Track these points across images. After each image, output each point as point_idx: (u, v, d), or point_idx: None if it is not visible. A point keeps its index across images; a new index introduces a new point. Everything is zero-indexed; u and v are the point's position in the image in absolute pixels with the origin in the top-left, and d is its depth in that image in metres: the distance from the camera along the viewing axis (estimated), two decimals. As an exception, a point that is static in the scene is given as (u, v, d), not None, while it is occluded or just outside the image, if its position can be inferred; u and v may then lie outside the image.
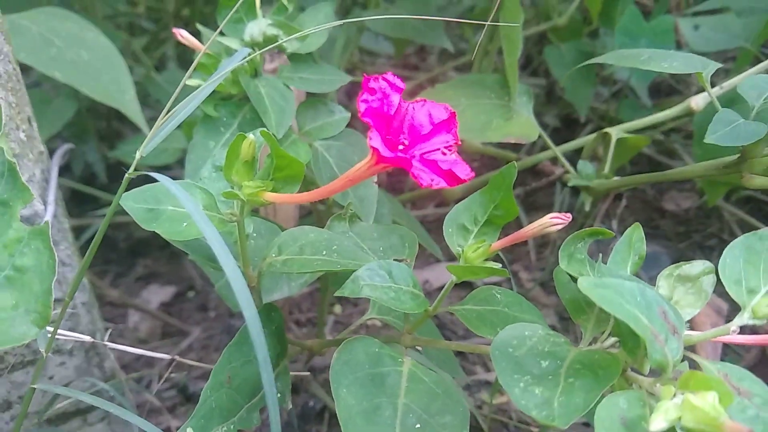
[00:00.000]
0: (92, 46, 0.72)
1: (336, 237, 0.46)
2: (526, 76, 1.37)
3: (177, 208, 0.39)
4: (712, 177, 0.60)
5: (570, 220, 0.39)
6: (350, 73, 1.42)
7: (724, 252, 0.37)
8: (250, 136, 0.37)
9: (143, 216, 0.38)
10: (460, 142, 0.34)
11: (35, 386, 0.40)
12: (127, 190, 0.39)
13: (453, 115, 0.34)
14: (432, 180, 0.32)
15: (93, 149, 1.22)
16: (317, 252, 0.45)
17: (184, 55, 1.43)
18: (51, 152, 0.76)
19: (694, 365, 0.36)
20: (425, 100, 0.34)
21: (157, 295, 1.13)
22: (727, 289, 0.35)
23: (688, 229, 1.17)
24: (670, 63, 0.57)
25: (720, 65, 0.64)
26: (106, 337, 0.53)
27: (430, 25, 0.92)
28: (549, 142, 0.74)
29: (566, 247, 0.39)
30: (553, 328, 1.03)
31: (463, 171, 0.33)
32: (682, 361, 0.35)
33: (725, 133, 0.55)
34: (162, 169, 1.10)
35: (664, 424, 0.29)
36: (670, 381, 0.33)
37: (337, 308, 0.99)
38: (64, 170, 1.22)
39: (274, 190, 0.39)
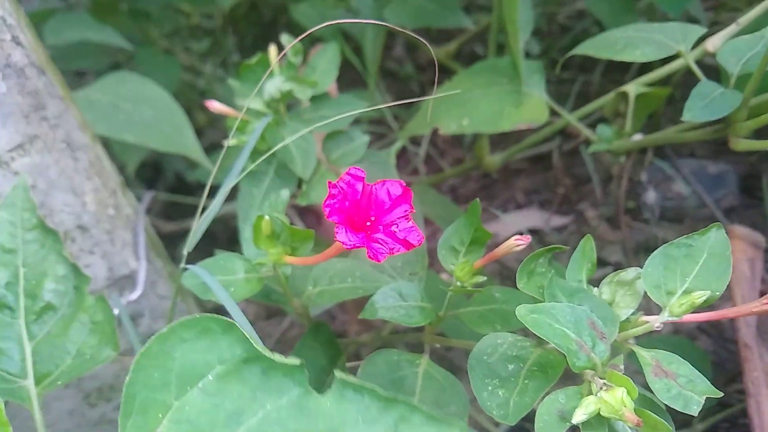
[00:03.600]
0: (152, 100, 0.85)
1: (358, 265, 0.57)
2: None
3: (226, 277, 0.51)
4: (704, 139, 0.65)
5: (529, 240, 0.47)
6: (390, 41, 1.48)
7: (647, 262, 0.44)
8: (266, 217, 0.48)
9: (200, 289, 0.50)
10: (414, 210, 0.43)
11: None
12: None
13: (407, 189, 0.43)
14: (391, 250, 0.41)
15: (179, 160, 1.38)
16: (343, 280, 0.56)
17: (245, 54, 1.55)
18: (140, 178, 0.89)
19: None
20: (384, 181, 0.44)
21: (258, 279, 1.30)
22: (649, 294, 0.43)
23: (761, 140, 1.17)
24: (642, 50, 0.61)
25: (704, 30, 0.67)
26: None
27: (448, 8, 0.98)
28: (563, 112, 0.80)
29: (525, 267, 0.47)
30: (617, 264, 1.08)
31: (415, 237, 0.42)
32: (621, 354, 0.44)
33: (701, 109, 0.60)
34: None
35: (584, 417, 0.38)
36: (606, 374, 0.42)
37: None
38: (158, 180, 1.40)
39: (292, 252, 0.50)
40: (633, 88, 0.82)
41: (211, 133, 1.44)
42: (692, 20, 1.15)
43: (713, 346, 0.88)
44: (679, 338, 0.82)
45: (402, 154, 1.30)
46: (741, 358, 0.73)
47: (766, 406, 0.70)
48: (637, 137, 0.80)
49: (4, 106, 0.55)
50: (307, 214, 1.17)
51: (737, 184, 1.07)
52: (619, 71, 1.33)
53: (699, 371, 0.42)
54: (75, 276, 0.53)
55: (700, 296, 0.41)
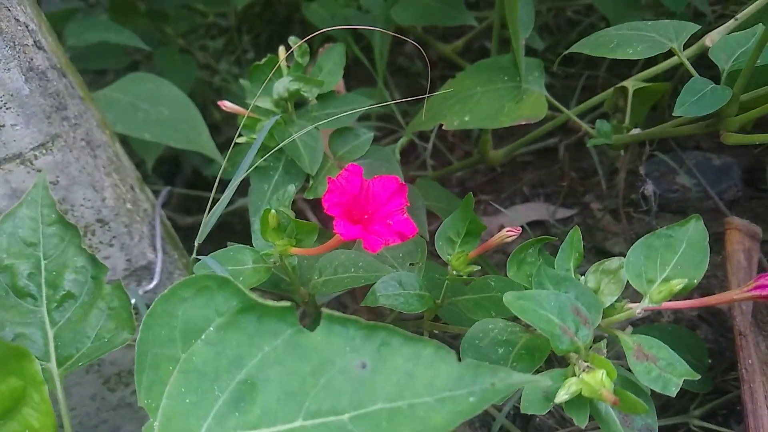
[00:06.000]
0: (169, 100, 0.88)
1: (361, 255, 0.60)
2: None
3: (235, 267, 0.54)
4: (696, 133, 0.67)
5: (520, 232, 0.50)
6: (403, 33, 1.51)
7: (629, 252, 0.46)
8: (273, 211, 0.52)
9: (211, 278, 0.53)
10: (408, 204, 0.46)
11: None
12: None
13: (402, 185, 0.46)
14: (386, 241, 0.44)
15: (197, 156, 1.42)
16: (347, 270, 0.59)
17: (260, 51, 1.59)
18: (158, 173, 0.92)
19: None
20: (381, 177, 0.47)
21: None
22: (631, 282, 0.46)
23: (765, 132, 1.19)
24: (634, 48, 0.64)
25: (696, 27, 0.69)
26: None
27: (453, 6, 1.00)
28: (561, 107, 0.82)
29: (515, 257, 0.50)
30: (621, 255, 1.11)
31: (409, 229, 0.45)
32: (601, 340, 0.46)
33: (692, 104, 0.62)
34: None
35: (566, 397, 0.41)
36: (589, 357, 0.44)
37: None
38: (176, 175, 1.44)
39: (298, 244, 0.53)
40: (631, 83, 0.84)
41: (228, 129, 1.47)
42: (699, 15, 1.16)
43: (713, 335, 0.90)
44: (677, 327, 0.84)
45: (412, 149, 1.32)
46: (736, 346, 0.76)
47: (759, 393, 0.72)
48: (635, 131, 0.82)
49: (28, 108, 0.59)
50: (320, 207, 1.21)
51: (741, 177, 1.09)
52: (625, 66, 1.35)
53: (696, 358, 0.44)
54: (93, 266, 0.56)
55: (677, 284, 0.44)
